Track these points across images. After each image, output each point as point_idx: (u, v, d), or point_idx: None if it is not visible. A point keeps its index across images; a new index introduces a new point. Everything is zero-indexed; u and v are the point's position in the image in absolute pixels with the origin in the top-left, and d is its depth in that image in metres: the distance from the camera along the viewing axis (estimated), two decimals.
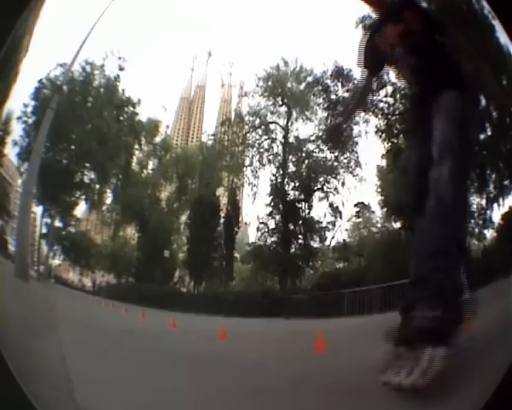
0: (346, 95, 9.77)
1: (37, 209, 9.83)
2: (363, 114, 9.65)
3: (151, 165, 13.79)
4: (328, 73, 9.96)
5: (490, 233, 8.05)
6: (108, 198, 12.37)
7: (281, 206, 11.69)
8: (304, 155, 11.76)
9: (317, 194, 11.58)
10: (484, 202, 8.23)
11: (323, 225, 11.53)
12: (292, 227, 11.67)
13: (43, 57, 7.68)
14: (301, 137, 11.97)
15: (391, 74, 10.08)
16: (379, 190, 11.08)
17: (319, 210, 11.58)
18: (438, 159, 1.94)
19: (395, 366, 1.70)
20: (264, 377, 2.02)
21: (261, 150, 12.21)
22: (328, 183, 11.50)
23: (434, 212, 1.92)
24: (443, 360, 1.60)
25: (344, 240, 11.75)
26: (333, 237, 11.66)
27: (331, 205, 11.48)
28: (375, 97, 9.39)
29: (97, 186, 11.43)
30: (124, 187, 11.95)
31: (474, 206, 8.73)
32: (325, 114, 10.59)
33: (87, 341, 2.84)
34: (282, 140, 12.16)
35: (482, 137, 8.11)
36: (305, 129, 12.69)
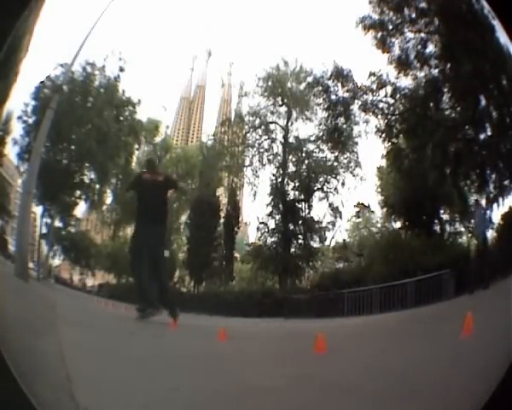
0: (346, 95, 9.77)
1: (37, 209, 9.83)
2: (363, 114, 9.66)
3: None
4: (328, 73, 9.94)
5: (490, 233, 8.05)
6: (108, 198, 12.37)
7: (281, 206, 11.68)
8: (304, 155, 11.76)
9: (317, 194, 11.59)
10: (484, 202, 8.24)
11: (323, 225, 11.53)
12: (292, 227, 11.66)
13: (43, 57, 7.67)
14: (301, 137, 11.97)
15: (391, 74, 9.88)
16: (379, 190, 11.08)
17: (319, 210, 11.58)
18: None
19: None
20: (264, 377, 2.02)
21: (261, 150, 12.21)
22: (328, 183, 11.50)
23: None
24: None
25: (344, 240, 11.76)
26: (333, 237, 11.67)
27: (331, 205, 11.48)
28: (374, 97, 9.40)
29: (97, 186, 11.42)
30: (124, 187, 11.94)
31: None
32: (325, 114, 10.58)
33: (87, 341, 2.84)
34: (282, 140, 12.16)
35: (482, 137, 8.13)
36: (305, 129, 12.67)
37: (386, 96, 9.29)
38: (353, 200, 11.71)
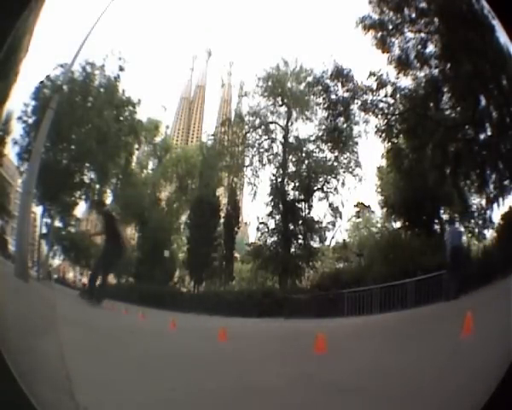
0: (346, 95, 9.77)
1: (37, 209, 9.83)
2: (362, 113, 9.66)
3: (151, 165, 13.81)
4: (328, 72, 9.94)
5: (490, 233, 8.06)
6: (108, 198, 12.37)
7: (281, 206, 11.68)
8: (304, 155, 11.76)
9: (317, 194, 11.59)
10: (484, 202, 8.24)
11: (323, 225, 11.53)
12: (292, 227, 11.66)
13: (43, 57, 7.68)
14: (301, 137, 11.98)
15: (391, 74, 9.88)
16: (379, 190, 11.09)
17: (319, 210, 11.59)
18: None
19: None
20: (264, 377, 2.01)
21: (261, 150, 12.21)
22: (328, 183, 11.50)
23: None
24: None
25: (344, 240, 11.76)
26: (333, 237, 11.67)
27: (331, 205, 11.48)
28: (374, 97, 9.40)
29: (97, 186, 11.42)
30: (124, 187, 11.94)
31: (474, 206, 8.75)
32: (325, 114, 10.58)
33: (87, 341, 2.84)
34: (282, 140, 12.16)
35: (482, 137, 8.13)
36: (305, 129, 12.67)
37: (386, 96, 9.29)
38: (353, 200, 11.72)
